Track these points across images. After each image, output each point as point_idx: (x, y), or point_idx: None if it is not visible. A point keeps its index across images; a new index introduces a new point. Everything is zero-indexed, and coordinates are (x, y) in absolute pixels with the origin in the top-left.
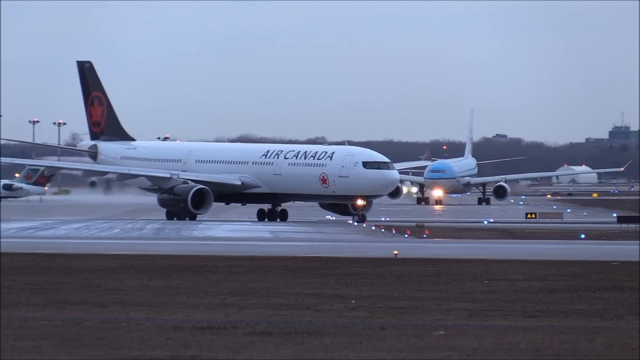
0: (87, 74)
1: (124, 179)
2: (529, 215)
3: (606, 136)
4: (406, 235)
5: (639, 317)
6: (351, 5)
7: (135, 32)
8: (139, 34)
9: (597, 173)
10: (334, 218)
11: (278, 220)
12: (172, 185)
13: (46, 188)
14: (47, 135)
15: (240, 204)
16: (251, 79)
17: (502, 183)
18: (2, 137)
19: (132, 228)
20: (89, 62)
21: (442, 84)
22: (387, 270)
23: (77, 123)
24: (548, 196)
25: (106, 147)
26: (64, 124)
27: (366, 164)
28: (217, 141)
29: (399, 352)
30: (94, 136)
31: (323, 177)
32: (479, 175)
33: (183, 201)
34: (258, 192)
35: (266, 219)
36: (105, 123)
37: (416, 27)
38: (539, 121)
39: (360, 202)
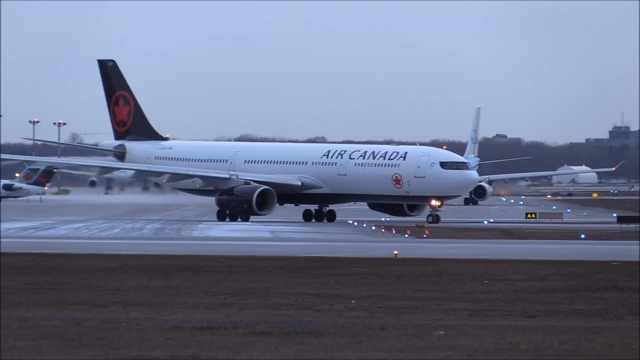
0: (110, 72)
1: (178, 179)
2: (529, 215)
3: (606, 136)
4: (406, 235)
5: (639, 317)
6: (351, 5)
7: (133, 31)
8: (136, 33)
9: (593, 173)
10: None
11: (325, 220)
12: (231, 186)
13: (46, 188)
14: (47, 136)
15: (291, 205)
16: (251, 78)
17: (482, 183)
18: (25, 138)
19: (132, 228)
20: (112, 61)
21: (443, 84)
22: (387, 270)
23: (77, 123)
24: (548, 196)
25: (135, 147)
26: (64, 124)
27: (444, 164)
28: (217, 140)
29: (399, 352)
30: (119, 136)
31: (396, 177)
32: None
33: (247, 202)
34: (318, 193)
35: (313, 219)
36: (132, 122)
37: (416, 27)
38: (539, 121)
39: (434, 202)
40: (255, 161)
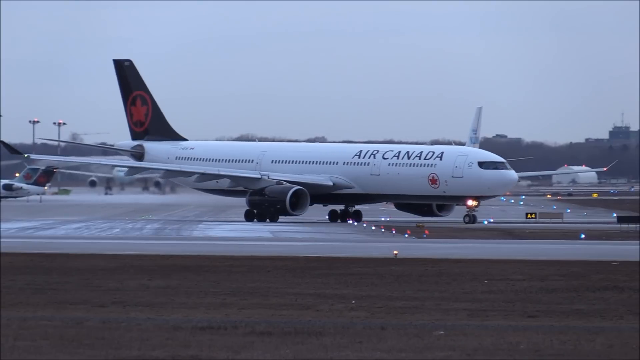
0: (126, 72)
1: (204, 180)
2: (529, 215)
3: (606, 136)
4: (406, 235)
5: (639, 317)
6: (351, 5)
7: (131, 31)
8: (134, 33)
9: (593, 173)
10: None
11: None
12: (262, 186)
13: (46, 188)
14: (46, 136)
15: (319, 205)
16: (251, 78)
17: None
18: (44, 139)
19: (132, 228)
20: (129, 61)
21: (443, 84)
22: (387, 270)
23: (77, 123)
24: (548, 196)
25: (155, 147)
26: (64, 124)
27: (482, 164)
28: (217, 140)
29: (399, 352)
30: (136, 136)
31: (432, 177)
32: None
33: (280, 202)
34: (349, 193)
35: (339, 220)
36: (150, 122)
37: (416, 27)
38: (539, 121)
39: (472, 202)
40: (282, 161)
